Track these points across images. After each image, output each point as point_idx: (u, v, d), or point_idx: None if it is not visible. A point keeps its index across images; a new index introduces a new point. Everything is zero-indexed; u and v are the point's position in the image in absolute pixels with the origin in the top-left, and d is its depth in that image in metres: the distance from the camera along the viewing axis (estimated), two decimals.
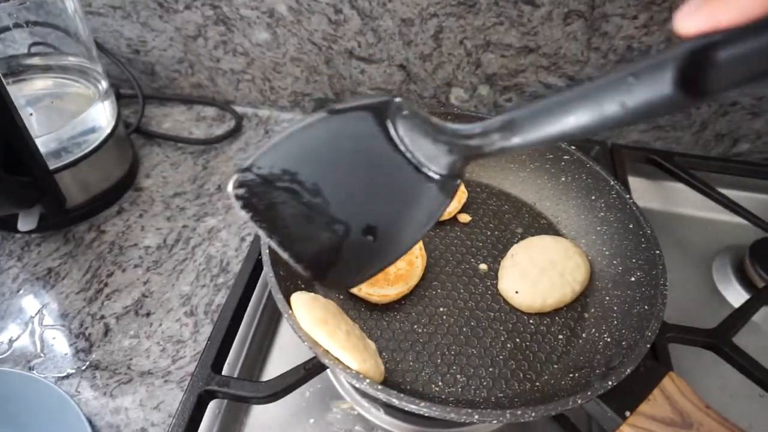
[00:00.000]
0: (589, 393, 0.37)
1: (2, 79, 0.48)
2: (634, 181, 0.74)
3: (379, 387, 0.36)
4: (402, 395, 0.36)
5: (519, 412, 0.36)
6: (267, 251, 0.44)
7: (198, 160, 0.74)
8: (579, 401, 0.37)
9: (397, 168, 0.32)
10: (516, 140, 0.27)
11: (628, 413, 0.38)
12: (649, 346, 0.40)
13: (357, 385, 0.37)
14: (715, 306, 0.63)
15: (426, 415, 0.36)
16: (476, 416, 0.36)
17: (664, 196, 0.74)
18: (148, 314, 0.57)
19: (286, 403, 0.50)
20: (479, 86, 0.75)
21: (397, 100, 0.31)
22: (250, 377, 0.53)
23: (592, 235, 0.54)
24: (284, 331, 0.57)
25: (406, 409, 0.36)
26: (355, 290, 0.48)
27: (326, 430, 0.50)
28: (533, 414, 0.36)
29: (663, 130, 0.75)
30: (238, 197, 0.32)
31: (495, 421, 0.36)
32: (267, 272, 0.43)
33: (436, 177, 0.31)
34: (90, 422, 0.46)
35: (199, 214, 0.67)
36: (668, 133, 0.76)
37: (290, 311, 0.40)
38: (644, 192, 0.74)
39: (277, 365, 0.55)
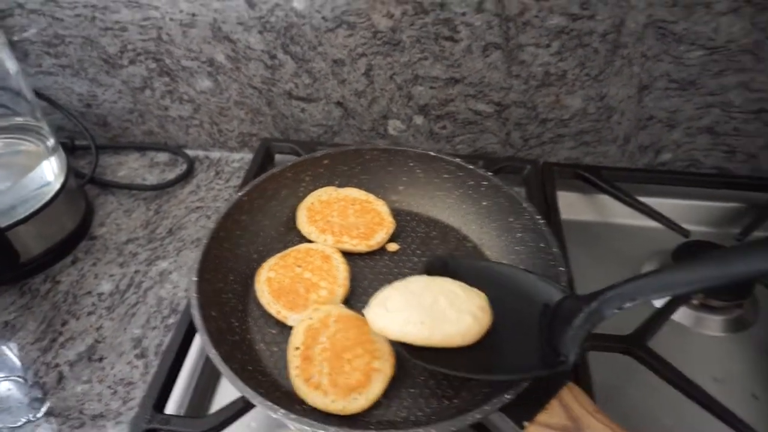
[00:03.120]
0: (487, 407, 0.41)
1: None
2: (567, 196, 0.78)
3: (293, 416, 0.40)
4: (315, 422, 0.40)
5: (420, 431, 0.39)
6: (196, 295, 0.48)
7: (151, 205, 0.77)
8: (477, 416, 0.40)
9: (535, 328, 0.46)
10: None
11: (526, 423, 0.41)
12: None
13: (273, 415, 0.40)
14: (643, 312, 0.67)
15: None
16: None
17: (595, 208, 0.78)
18: (100, 359, 0.60)
19: None
20: (414, 116, 0.79)
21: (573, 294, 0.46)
22: (197, 413, 0.56)
23: (512, 255, 0.58)
24: None
25: (293, 425, 0.40)
26: (273, 312, 0.52)
27: None
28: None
29: (590, 146, 0.80)
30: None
31: None
32: (194, 314, 0.46)
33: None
34: None
35: (151, 258, 0.70)
36: (596, 148, 0.80)
37: (213, 351, 0.43)
38: (576, 205, 0.78)
39: (225, 398, 0.58)
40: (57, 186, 0.68)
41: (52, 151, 0.69)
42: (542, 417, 0.42)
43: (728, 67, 0.69)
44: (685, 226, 0.71)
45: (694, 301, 0.66)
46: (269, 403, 0.40)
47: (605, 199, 0.77)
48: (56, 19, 0.74)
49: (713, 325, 0.65)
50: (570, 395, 0.43)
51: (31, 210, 0.65)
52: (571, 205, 0.77)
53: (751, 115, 0.73)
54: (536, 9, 0.66)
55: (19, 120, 0.68)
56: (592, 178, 0.76)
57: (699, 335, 0.65)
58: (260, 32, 0.72)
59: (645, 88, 0.72)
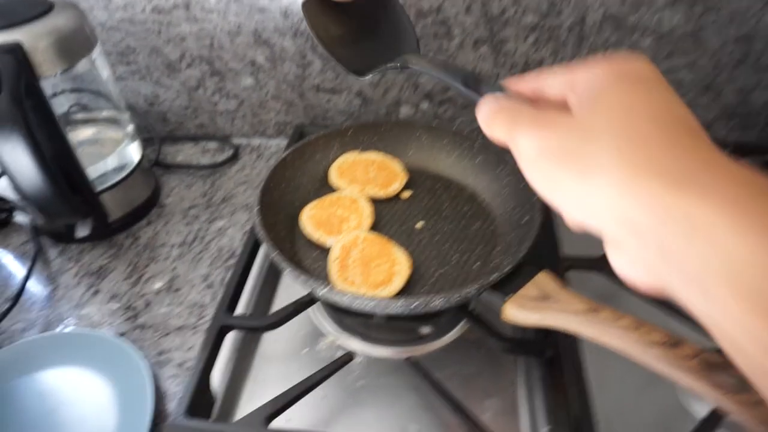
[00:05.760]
0: (480, 283, 0.55)
1: (64, 130, 0.69)
2: None
3: (335, 290, 0.55)
4: (334, 291, 0.55)
5: (430, 298, 0.54)
6: (259, 217, 0.63)
7: (206, 181, 0.94)
8: (472, 290, 0.55)
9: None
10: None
11: (511, 295, 0.55)
12: (522, 255, 0.59)
13: (319, 290, 0.55)
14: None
15: (357, 306, 0.55)
16: (401, 302, 0.54)
17: None
18: (177, 290, 0.75)
19: (285, 339, 0.69)
20: (420, 102, 0.95)
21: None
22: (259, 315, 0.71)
23: (501, 196, 0.73)
24: (284, 281, 0.76)
25: (335, 300, 0.55)
26: (316, 238, 0.67)
27: (315, 356, 0.68)
28: (439, 300, 0.54)
29: None
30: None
31: (416, 304, 0.54)
32: (258, 231, 0.62)
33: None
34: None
35: (210, 219, 0.86)
36: None
37: (275, 252, 0.59)
38: None
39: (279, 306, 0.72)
40: (134, 164, 0.85)
41: (132, 137, 0.86)
42: (521, 291, 0.56)
43: (675, 51, 0.85)
44: None
45: None
46: (319, 281, 0.55)
47: None
48: (129, 34, 0.92)
49: None
50: (544, 278, 0.57)
51: (116, 180, 0.82)
52: None
53: (700, 91, 0.89)
54: (513, 9, 0.83)
55: (106, 113, 0.85)
56: None
57: None
58: (293, 37, 0.90)
59: None
